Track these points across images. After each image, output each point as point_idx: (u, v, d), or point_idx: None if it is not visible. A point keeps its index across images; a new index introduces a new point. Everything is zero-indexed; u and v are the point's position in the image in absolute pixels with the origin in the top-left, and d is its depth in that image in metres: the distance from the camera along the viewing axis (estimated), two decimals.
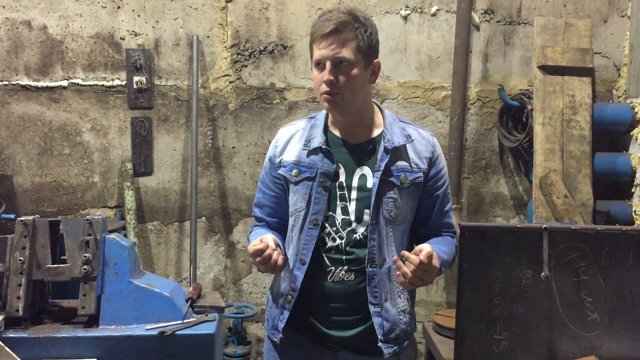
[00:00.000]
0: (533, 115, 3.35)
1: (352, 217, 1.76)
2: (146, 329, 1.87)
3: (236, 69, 3.51)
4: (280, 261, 1.67)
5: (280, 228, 1.92)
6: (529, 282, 2.18)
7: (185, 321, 1.91)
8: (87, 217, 1.92)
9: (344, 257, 1.76)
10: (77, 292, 1.91)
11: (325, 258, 1.77)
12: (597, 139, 3.39)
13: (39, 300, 2.01)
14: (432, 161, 1.83)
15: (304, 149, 1.81)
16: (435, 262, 1.63)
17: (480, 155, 3.64)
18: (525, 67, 3.59)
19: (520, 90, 3.56)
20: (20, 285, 1.88)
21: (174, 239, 3.58)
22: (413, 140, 1.81)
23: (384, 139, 1.78)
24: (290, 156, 1.83)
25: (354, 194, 1.76)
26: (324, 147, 1.78)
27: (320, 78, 1.70)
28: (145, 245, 3.56)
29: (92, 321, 1.91)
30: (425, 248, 1.62)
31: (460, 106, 3.48)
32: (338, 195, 1.77)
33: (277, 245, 1.74)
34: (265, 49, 3.51)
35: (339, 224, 1.77)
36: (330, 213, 1.77)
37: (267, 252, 1.65)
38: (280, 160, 1.85)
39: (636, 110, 3.36)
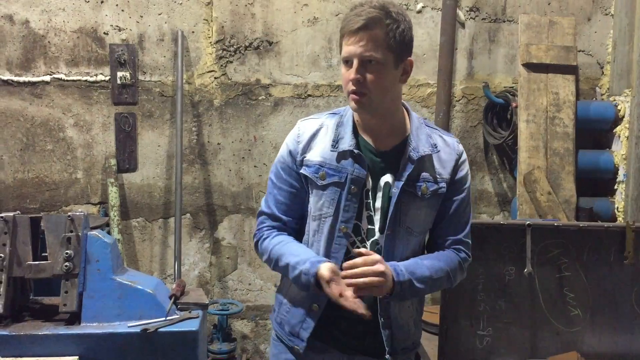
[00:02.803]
0: (517, 112, 3.37)
1: (377, 227, 1.68)
2: (128, 326, 1.85)
3: (221, 65, 3.49)
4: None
5: (297, 230, 1.79)
6: (512, 278, 2.20)
7: (168, 318, 1.90)
8: (69, 213, 1.90)
9: None
10: (59, 289, 1.88)
11: None
12: (580, 137, 3.42)
13: (20, 298, 1.98)
14: (455, 169, 1.73)
15: (332, 150, 1.68)
16: (382, 270, 1.52)
17: (465, 152, 3.65)
18: (509, 65, 3.61)
19: (504, 87, 3.58)
20: (0, 282, 1.86)
21: (158, 236, 3.56)
22: (439, 151, 1.72)
23: (409, 147, 1.67)
24: (315, 155, 1.70)
25: (378, 203, 1.68)
26: (355, 151, 1.66)
27: (348, 76, 1.60)
28: (130, 242, 3.54)
29: (74, 319, 1.89)
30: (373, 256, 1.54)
31: (446, 103, 3.49)
32: (365, 203, 1.68)
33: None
34: (251, 45, 3.49)
35: (364, 233, 1.69)
36: (356, 222, 1.68)
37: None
38: (303, 158, 1.71)
39: (619, 107, 3.39)
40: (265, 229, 1.77)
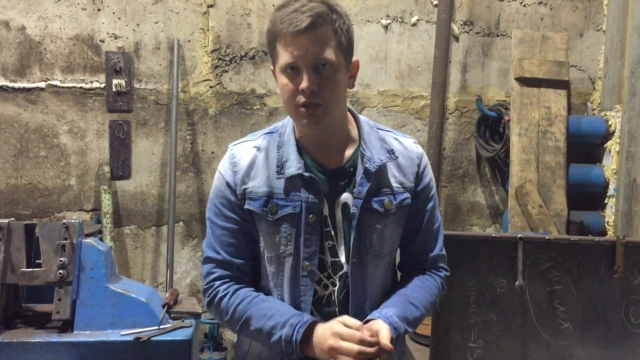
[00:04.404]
0: (510, 126, 3.41)
1: (343, 259, 1.45)
2: (122, 335, 1.86)
3: (217, 74, 3.50)
4: None
5: (252, 275, 1.52)
6: (503, 291, 2.21)
7: (161, 327, 1.90)
8: (64, 220, 1.90)
9: (337, 309, 1.45)
10: (52, 296, 1.88)
11: (314, 311, 1.45)
12: (571, 151, 3.46)
13: (13, 305, 1.98)
14: (418, 175, 1.51)
15: (278, 177, 1.44)
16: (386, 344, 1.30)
17: (457, 164, 3.68)
18: (502, 79, 3.64)
19: (497, 101, 3.62)
20: None
21: (150, 244, 3.56)
22: (397, 157, 1.49)
23: (363, 158, 1.45)
24: (258, 186, 1.45)
25: (340, 230, 1.45)
26: (306, 174, 1.41)
27: (294, 87, 1.35)
28: (122, 250, 3.53)
29: (67, 326, 1.89)
30: (382, 333, 1.30)
31: (439, 115, 3.52)
32: (324, 233, 1.45)
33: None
34: (246, 55, 3.51)
35: (329, 267, 1.45)
36: (320, 256, 1.44)
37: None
38: (245, 190, 1.45)
39: (610, 122, 3.43)
40: (218, 283, 1.48)
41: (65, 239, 1.88)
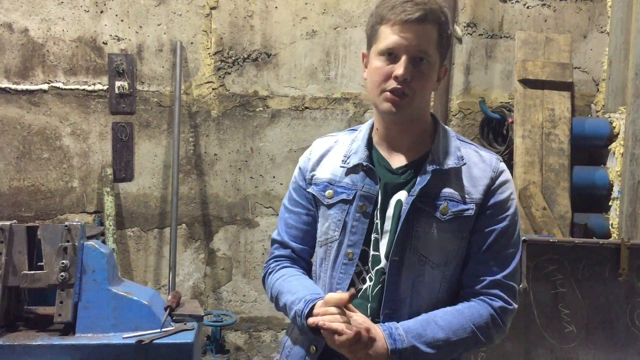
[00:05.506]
0: (513, 128, 3.39)
1: (382, 253, 1.43)
2: (123, 338, 1.85)
3: (219, 76, 3.50)
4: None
5: (308, 261, 1.60)
6: None
7: (163, 330, 1.89)
8: (66, 223, 1.89)
9: (368, 305, 1.43)
10: (54, 299, 1.88)
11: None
12: (575, 153, 3.45)
13: (14, 307, 1.97)
14: (490, 189, 1.43)
15: (341, 166, 1.50)
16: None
17: None
18: (506, 80, 3.63)
19: (501, 103, 3.61)
20: None
21: (153, 246, 3.55)
22: (466, 164, 1.45)
23: (429, 158, 1.44)
24: (324, 173, 1.53)
25: (387, 225, 1.43)
26: (365, 164, 1.46)
27: (388, 71, 1.37)
28: (124, 252, 3.52)
29: (69, 329, 1.88)
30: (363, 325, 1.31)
31: (442, 117, 3.51)
32: (373, 225, 1.45)
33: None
34: (249, 57, 3.51)
35: (370, 261, 1.45)
36: (364, 247, 1.45)
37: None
38: (312, 176, 1.55)
39: (614, 124, 3.42)
40: (272, 261, 1.60)
41: (68, 242, 1.87)
